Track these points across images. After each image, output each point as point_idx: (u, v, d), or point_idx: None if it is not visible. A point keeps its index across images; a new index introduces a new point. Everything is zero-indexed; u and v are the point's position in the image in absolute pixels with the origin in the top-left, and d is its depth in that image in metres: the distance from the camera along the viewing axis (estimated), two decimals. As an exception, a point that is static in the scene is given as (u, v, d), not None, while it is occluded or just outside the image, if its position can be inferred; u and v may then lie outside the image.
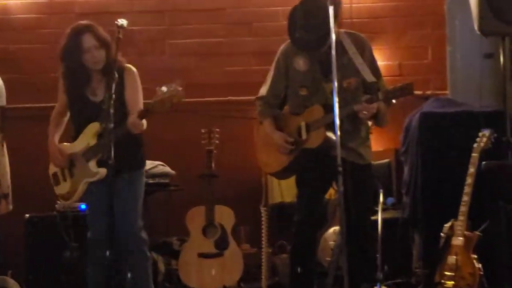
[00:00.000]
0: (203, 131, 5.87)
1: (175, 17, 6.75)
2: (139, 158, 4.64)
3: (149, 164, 5.62)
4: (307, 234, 4.49)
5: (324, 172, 4.40)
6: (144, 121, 4.41)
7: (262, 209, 5.83)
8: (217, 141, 5.85)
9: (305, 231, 4.48)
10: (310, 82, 4.46)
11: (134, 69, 4.55)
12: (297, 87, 4.51)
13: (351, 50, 4.38)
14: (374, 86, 4.35)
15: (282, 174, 4.73)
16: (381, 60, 6.18)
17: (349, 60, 4.38)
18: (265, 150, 4.67)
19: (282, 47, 4.61)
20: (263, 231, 5.79)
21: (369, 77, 4.34)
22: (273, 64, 4.64)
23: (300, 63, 4.50)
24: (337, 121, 4.03)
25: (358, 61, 4.36)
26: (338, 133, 4.03)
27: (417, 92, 5.96)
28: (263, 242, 5.76)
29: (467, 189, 4.55)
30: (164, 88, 4.10)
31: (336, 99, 4.02)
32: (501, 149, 4.78)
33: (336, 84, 4.03)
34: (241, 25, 6.75)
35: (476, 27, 4.95)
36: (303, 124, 4.48)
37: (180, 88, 4.11)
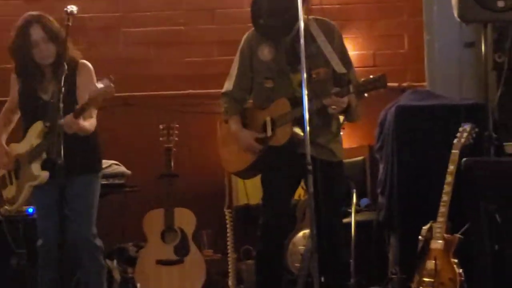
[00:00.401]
0: (161, 127, 5.85)
1: (130, 3, 6.70)
2: (94, 160, 4.63)
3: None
4: (274, 238, 4.44)
5: (292, 171, 4.35)
6: (93, 120, 4.43)
7: (226, 212, 5.90)
8: (176, 138, 5.81)
9: (272, 235, 4.43)
10: (275, 73, 4.41)
11: (89, 65, 4.54)
12: (262, 79, 4.46)
13: (320, 38, 4.32)
14: (344, 77, 4.32)
15: (246, 173, 4.69)
16: (354, 50, 6.25)
17: (318, 49, 4.32)
18: (228, 147, 4.63)
19: (245, 35, 4.55)
20: (228, 235, 5.82)
21: (339, 68, 4.30)
22: (237, 55, 4.57)
23: (265, 53, 4.43)
24: (306, 116, 3.96)
25: (328, 50, 4.31)
26: (308, 128, 3.97)
27: (392, 84, 5.98)
28: (229, 247, 5.78)
29: (446, 188, 4.52)
30: (99, 85, 4.12)
31: (305, 92, 3.98)
32: (483, 144, 4.75)
33: (304, 75, 3.99)
34: (202, 12, 6.70)
35: (455, 13, 4.90)
36: (268, 119, 4.43)
37: (112, 84, 4.11)
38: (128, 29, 6.68)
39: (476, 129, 4.65)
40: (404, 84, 6.41)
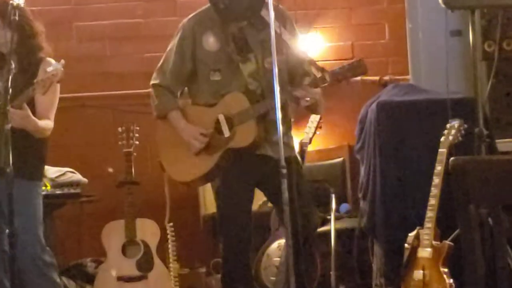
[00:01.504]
0: (120, 130, 5.82)
1: (82, -6, 6.76)
2: (36, 166, 4.58)
3: (55, 171, 5.70)
4: (239, 256, 4.37)
5: (250, 176, 4.31)
6: (50, 123, 4.45)
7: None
8: (137, 142, 5.79)
9: (236, 253, 4.36)
10: (224, 64, 4.33)
11: (53, 62, 4.44)
12: (207, 71, 4.36)
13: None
14: (301, 66, 4.32)
15: (199, 182, 4.59)
16: (331, 41, 6.28)
17: (270, 35, 4.22)
18: (173, 152, 4.46)
19: (185, 21, 4.48)
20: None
21: (303, 54, 4.28)
22: (175, 43, 4.47)
23: (210, 42, 4.35)
24: (279, 114, 3.92)
25: (286, 36, 4.27)
26: (281, 129, 3.93)
27: (373, 78, 5.94)
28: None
29: (434, 191, 4.52)
30: (49, 69, 4.18)
31: (276, 82, 3.91)
32: (473, 142, 4.70)
33: (276, 64, 3.93)
34: (163, 2, 6.69)
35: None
36: (221, 117, 4.31)
37: (59, 66, 4.18)
38: (81, 23, 6.66)
39: (465, 126, 4.65)
40: (386, 78, 6.41)
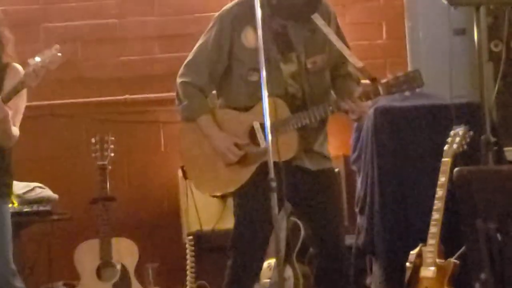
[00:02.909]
0: (93, 140, 5.82)
1: (51, -7, 6.74)
2: (5, 182, 4.57)
3: (22, 187, 5.66)
4: (249, 275, 4.35)
5: (281, 190, 4.07)
6: (16, 129, 4.42)
7: (187, 239, 5.79)
8: (112, 154, 5.79)
9: (247, 272, 4.33)
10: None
11: (20, 68, 4.50)
12: (245, 71, 4.27)
13: (317, 18, 4.22)
14: (345, 67, 4.32)
15: (229, 196, 4.52)
16: None
17: (313, 32, 4.25)
18: (200, 161, 4.38)
19: (224, 13, 4.35)
20: (187, 267, 5.79)
21: (354, 60, 4.22)
22: (211, 35, 4.35)
23: (250, 38, 4.23)
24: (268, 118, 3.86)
25: (331, 35, 4.23)
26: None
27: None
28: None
29: (438, 205, 4.53)
30: (37, 58, 4.20)
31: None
32: (480, 151, 4.69)
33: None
34: (140, 0, 6.66)
35: None
36: (257, 125, 4.23)
37: (58, 53, 4.24)
38: (49, 24, 6.62)
39: (471, 133, 4.66)
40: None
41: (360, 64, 4.24)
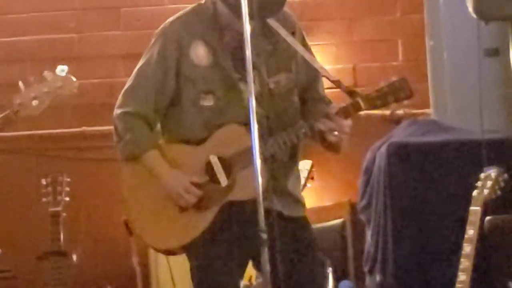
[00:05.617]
0: (44, 182, 5.92)
1: (-3, 2, 6.82)
2: None
3: None
4: None
5: (248, 241, 4.09)
6: None
7: None
8: (67, 198, 5.88)
9: None
10: (218, 85, 4.21)
11: None
12: (196, 94, 4.25)
13: (281, 31, 4.22)
14: (316, 86, 4.33)
15: (183, 250, 4.41)
16: (326, 63, 6.39)
17: (277, 46, 4.25)
18: (148, 209, 4.33)
19: (168, 25, 4.32)
20: None
21: (327, 73, 4.20)
22: (152, 54, 4.33)
23: (200, 54, 4.25)
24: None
25: (295, 44, 4.22)
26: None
27: (382, 112, 5.94)
28: None
29: (465, 264, 4.55)
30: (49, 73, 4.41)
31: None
32: None
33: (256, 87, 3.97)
34: (103, 12, 6.80)
35: (470, 8, 5.00)
36: (214, 159, 4.21)
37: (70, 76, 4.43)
38: (-8, 41, 6.39)
39: (505, 175, 4.68)
40: (399, 112, 6.36)
41: (334, 77, 4.20)
